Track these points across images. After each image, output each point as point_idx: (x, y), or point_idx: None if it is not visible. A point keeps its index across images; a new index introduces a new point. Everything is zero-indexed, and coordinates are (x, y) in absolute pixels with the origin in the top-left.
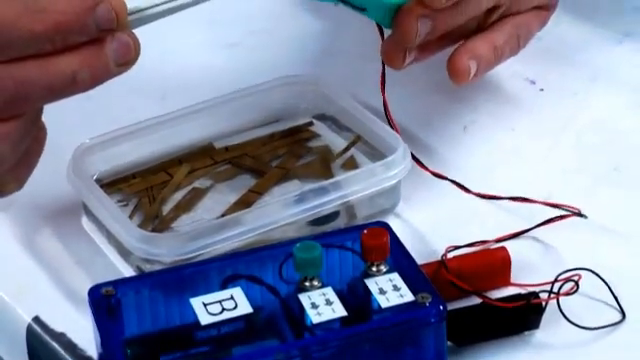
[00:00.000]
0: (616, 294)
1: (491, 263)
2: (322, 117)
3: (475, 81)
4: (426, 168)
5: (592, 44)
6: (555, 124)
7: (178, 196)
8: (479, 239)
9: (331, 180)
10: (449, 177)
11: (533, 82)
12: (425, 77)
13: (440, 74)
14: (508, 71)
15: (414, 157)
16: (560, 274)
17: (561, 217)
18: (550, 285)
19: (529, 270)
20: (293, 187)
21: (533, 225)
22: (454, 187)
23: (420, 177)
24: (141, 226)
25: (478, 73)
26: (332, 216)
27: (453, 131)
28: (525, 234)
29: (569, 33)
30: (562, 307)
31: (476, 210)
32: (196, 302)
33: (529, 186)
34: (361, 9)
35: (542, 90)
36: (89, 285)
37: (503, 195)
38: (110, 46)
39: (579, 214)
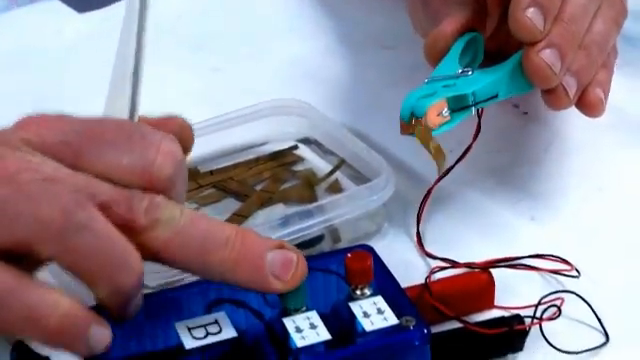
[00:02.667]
0: (600, 316)
1: (475, 286)
2: (306, 141)
3: (605, 110)
4: (422, 247)
5: None
6: (537, 146)
7: None
8: (464, 261)
9: (315, 204)
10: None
11: (516, 106)
12: None
13: None
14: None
15: (418, 236)
16: (543, 297)
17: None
18: (533, 308)
19: (513, 292)
20: (277, 211)
21: (521, 255)
22: (438, 210)
23: (404, 200)
24: None
25: (605, 96)
26: (316, 239)
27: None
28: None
29: None
30: (546, 331)
31: (461, 233)
32: (180, 326)
33: (512, 208)
34: (494, 97)
35: (525, 113)
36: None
37: (486, 217)
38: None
39: (576, 272)
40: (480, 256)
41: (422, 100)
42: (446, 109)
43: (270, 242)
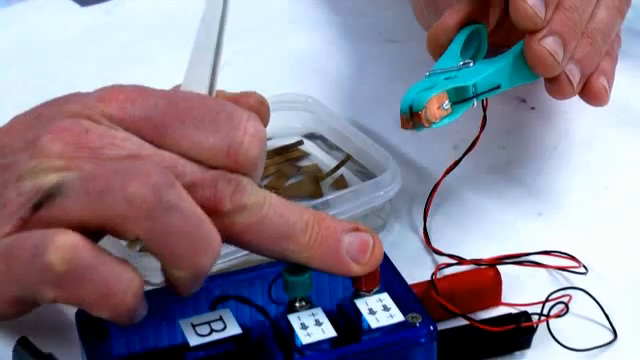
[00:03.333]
0: (607, 313)
1: (482, 283)
2: (312, 136)
3: (609, 99)
4: (429, 243)
5: None
6: (546, 142)
7: None
8: (471, 257)
9: (321, 199)
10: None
11: (524, 100)
12: None
13: None
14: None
15: (425, 233)
16: (551, 294)
17: (560, 255)
18: (541, 305)
19: (520, 289)
20: None
21: (528, 252)
22: (445, 206)
23: (410, 196)
24: (129, 246)
25: (609, 85)
26: None
27: (443, 149)
28: (517, 258)
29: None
30: (553, 328)
31: (469, 229)
32: (185, 323)
33: (519, 204)
34: (496, 88)
35: (533, 109)
36: (75, 308)
37: (492, 213)
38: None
39: (584, 269)
40: (487, 253)
41: (422, 93)
42: (447, 102)
43: (346, 225)
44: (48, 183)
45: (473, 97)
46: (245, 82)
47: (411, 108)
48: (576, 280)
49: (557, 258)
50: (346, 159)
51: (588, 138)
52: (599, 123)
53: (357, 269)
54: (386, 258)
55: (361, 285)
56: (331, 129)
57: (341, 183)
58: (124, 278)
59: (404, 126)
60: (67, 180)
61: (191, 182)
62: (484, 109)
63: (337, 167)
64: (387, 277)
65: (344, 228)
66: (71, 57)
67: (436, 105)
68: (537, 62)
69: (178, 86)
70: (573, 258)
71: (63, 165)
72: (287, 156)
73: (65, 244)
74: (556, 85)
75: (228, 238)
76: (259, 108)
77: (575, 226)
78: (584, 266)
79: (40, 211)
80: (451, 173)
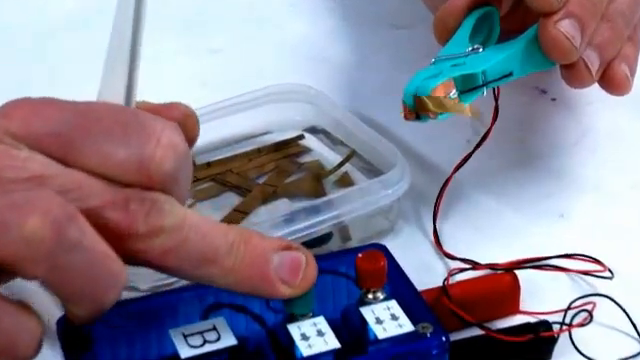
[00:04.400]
0: (635, 322)
1: (498, 289)
2: (313, 130)
3: (632, 88)
4: (440, 247)
5: None
6: (567, 137)
7: None
8: (486, 262)
9: (323, 199)
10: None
11: (544, 91)
12: None
13: None
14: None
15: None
16: (573, 301)
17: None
18: (562, 313)
19: (540, 296)
20: (282, 206)
21: (549, 255)
22: (457, 206)
23: (420, 195)
24: None
25: (632, 72)
26: (324, 238)
27: (455, 144)
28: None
29: None
30: (576, 338)
31: (484, 230)
32: (175, 333)
33: (539, 204)
34: (508, 75)
35: (554, 100)
36: (58, 314)
37: (509, 214)
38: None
39: (609, 273)
40: (503, 256)
41: (426, 81)
42: (454, 91)
43: (276, 243)
44: None
45: (482, 85)
46: (240, 72)
47: (415, 97)
48: (601, 286)
49: (580, 262)
50: (350, 155)
51: (613, 132)
52: (625, 115)
53: (287, 291)
54: (394, 263)
55: (365, 282)
56: (334, 122)
57: (345, 181)
58: (28, 329)
59: (407, 117)
60: None
61: (100, 204)
62: (496, 99)
63: (341, 163)
64: (395, 283)
65: (274, 247)
66: (56, 44)
67: (442, 94)
68: (552, 47)
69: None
70: (597, 262)
71: None
72: (286, 152)
73: None
74: (573, 72)
75: (144, 263)
76: (184, 120)
77: (599, 227)
78: (610, 270)
79: None
80: (464, 170)
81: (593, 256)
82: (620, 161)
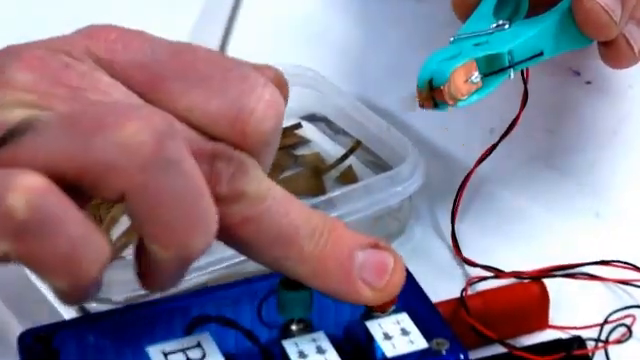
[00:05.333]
0: None
1: (524, 301)
2: (313, 118)
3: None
4: (459, 252)
5: None
6: (604, 126)
7: None
8: (510, 269)
9: (323, 197)
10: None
11: (578, 73)
12: None
13: None
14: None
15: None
16: (610, 314)
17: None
18: (598, 328)
19: (572, 308)
20: None
21: (582, 262)
22: (478, 205)
23: (436, 192)
24: None
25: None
26: None
27: (477, 134)
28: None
29: None
30: (612, 356)
31: (508, 233)
32: (154, 351)
33: (571, 202)
34: (538, 55)
35: (589, 83)
36: (19, 330)
37: (537, 214)
38: None
39: None
40: (530, 263)
41: (445, 63)
42: (476, 73)
43: (363, 239)
44: (13, 119)
45: (509, 67)
46: (229, 51)
47: (431, 82)
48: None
49: (618, 269)
50: (355, 146)
51: None
52: None
53: (369, 295)
54: (405, 269)
55: None
56: (336, 109)
57: (349, 176)
58: (95, 244)
59: (423, 105)
60: (41, 117)
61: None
62: (525, 82)
63: (344, 156)
64: (407, 294)
65: (360, 242)
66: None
67: (463, 78)
68: (588, 22)
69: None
70: (638, 269)
71: (34, 100)
72: (282, 142)
73: (32, 187)
74: (612, 50)
75: (219, 232)
76: (279, 82)
77: (637, 228)
78: None
79: (2, 150)
80: (486, 164)
81: (632, 262)
82: None
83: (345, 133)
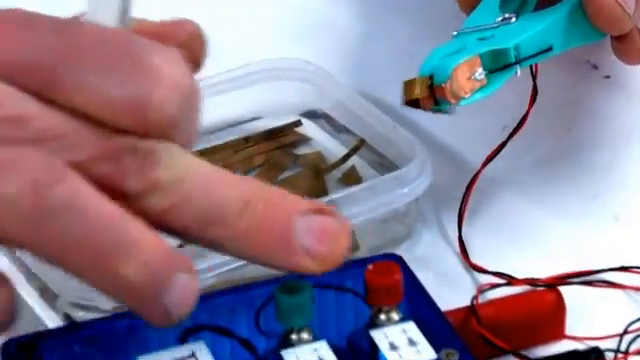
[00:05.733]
0: None
1: (539, 309)
2: (313, 114)
3: None
4: (467, 258)
5: None
6: (623, 123)
7: None
8: (524, 276)
9: (325, 199)
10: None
11: (595, 66)
12: None
13: None
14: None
15: (462, 246)
16: (631, 323)
17: None
18: (617, 339)
19: (590, 317)
20: None
21: (600, 268)
22: (487, 208)
23: (443, 194)
24: None
25: None
26: None
27: (488, 132)
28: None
29: None
30: None
31: (520, 238)
32: None
33: (588, 205)
34: (547, 50)
35: (607, 77)
36: (2, 339)
37: (551, 218)
38: None
39: None
40: (545, 269)
41: (447, 59)
42: (480, 70)
43: (302, 204)
44: None
45: (516, 63)
46: (225, 44)
47: (432, 79)
48: None
49: (638, 275)
50: (358, 145)
51: None
52: None
53: (310, 265)
54: (412, 277)
55: (376, 300)
56: (338, 105)
57: (352, 177)
58: None
59: (423, 105)
60: None
61: (89, 156)
62: (534, 78)
63: (347, 156)
64: (414, 301)
65: (300, 208)
66: None
67: (466, 74)
68: (601, 15)
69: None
70: None
71: None
72: (280, 141)
73: None
74: (626, 45)
75: (153, 226)
76: (191, 43)
77: None
78: None
79: None
80: (495, 164)
81: None
82: None
83: (348, 131)
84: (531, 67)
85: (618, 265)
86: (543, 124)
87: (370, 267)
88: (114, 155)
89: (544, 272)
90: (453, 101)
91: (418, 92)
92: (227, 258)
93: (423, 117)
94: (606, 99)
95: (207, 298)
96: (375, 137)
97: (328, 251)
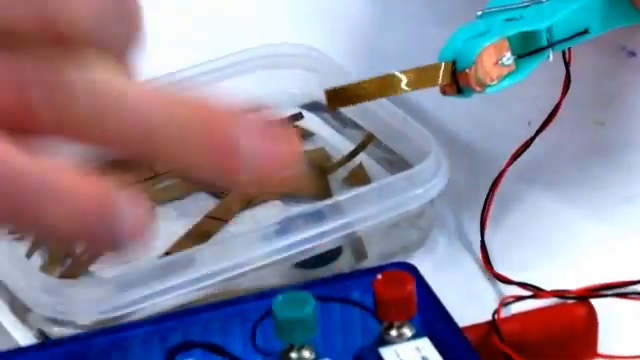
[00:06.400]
0: None
1: (568, 325)
2: (316, 107)
3: None
4: (490, 266)
5: None
6: None
7: None
8: (552, 288)
9: (329, 201)
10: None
11: (633, 53)
12: None
13: None
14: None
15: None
16: None
17: None
18: None
19: (624, 333)
20: (272, 211)
21: (635, 279)
22: (511, 211)
23: (462, 196)
24: (44, 269)
25: None
26: (331, 255)
27: (512, 127)
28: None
29: None
30: None
31: (548, 245)
32: None
33: (622, 208)
34: (583, 33)
35: None
36: None
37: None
38: None
39: None
40: (575, 280)
41: (471, 42)
42: (509, 54)
43: (243, 117)
44: None
45: (548, 47)
46: (222, 29)
47: (454, 64)
48: None
49: None
50: (367, 141)
51: None
52: None
53: (247, 177)
54: (427, 288)
55: (387, 314)
56: None
57: (359, 176)
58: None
59: (445, 91)
60: None
61: None
62: (567, 65)
63: (354, 153)
64: (428, 316)
65: (241, 122)
66: None
67: (492, 59)
68: None
69: None
70: None
71: None
72: None
73: None
74: None
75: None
76: None
77: None
78: None
79: None
80: (521, 162)
81: None
82: None
83: (355, 125)
84: (563, 52)
85: None
86: (574, 118)
87: (379, 277)
88: (18, 87)
89: (574, 283)
90: (478, 89)
91: (440, 79)
92: (220, 267)
93: (440, 110)
94: None
95: (198, 312)
96: (385, 132)
97: (270, 165)
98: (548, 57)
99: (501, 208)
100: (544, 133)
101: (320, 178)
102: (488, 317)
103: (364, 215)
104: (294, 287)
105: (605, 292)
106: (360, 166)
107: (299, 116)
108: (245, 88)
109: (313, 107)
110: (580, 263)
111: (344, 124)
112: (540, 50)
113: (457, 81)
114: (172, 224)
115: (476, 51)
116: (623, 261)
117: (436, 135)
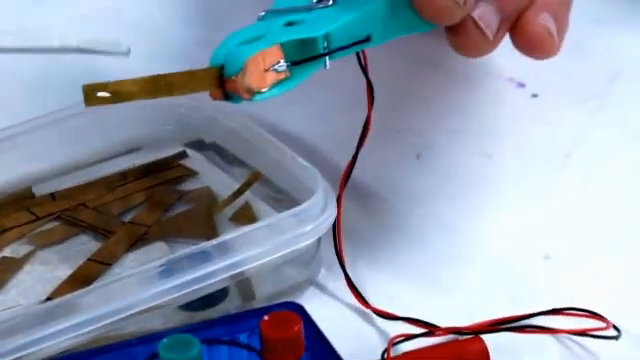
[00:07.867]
0: None
1: None
2: (200, 145)
3: (558, 49)
4: (364, 301)
5: (611, 25)
6: (554, 148)
7: None
8: (443, 325)
9: (215, 241)
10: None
11: (522, 85)
12: (354, 83)
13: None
14: (483, 68)
15: (350, 284)
16: None
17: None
18: None
19: None
20: (157, 253)
21: (531, 312)
22: (403, 247)
23: (351, 232)
24: None
25: (559, 28)
26: (217, 296)
27: (400, 161)
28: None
29: (579, 10)
30: None
31: (439, 281)
32: None
33: (515, 241)
34: (364, 41)
35: (535, 96)
36: None
37: (473, 254)
38: None
39: (614, 331)
40: (468, 316)
41: (242, 47)
42: (282, 61)
43: None
44: None
45: (325, 54)
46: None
47: (222, 69)
48: (604, 349)
49: (574, 318)
50: (253, 179)
51: (616, 141)
52: (635, 117)
53: None
54: (315, 329)
55: (273, 355)
56: (229, 133)
57: (246, 215)
58: None
59: (212, 95)
60: None
61: None
62: (365, 71)
63: (240, 191)
64: (317, 356)
65: None
66: None
67: (263, 66)
68: (425, 3)
69: None
70: (598, 316)
71: None
72: (163, 176)
73: None
74: (460, 37)
75: None
76: None
77: (599, 271)
78: (615, 327)
79: None
80: (414, 198)
81: (591, 309)
82: (623, 180)
83: (240, 162)
84: (359, 59)
85: (550, 307)
86: (465, 149)
87: (266, 318)
88: None
89: (467, 319)
90: (246, 96)
91: (204, 85)
92: (105, 311)
93: (327, 144)
94: (533, 120)
95: (83, 357)
96: (271, 169)
97: None
98: (325, 65)
99: (387, 242)
100: (434, 161)
101: (206, 218)
102: (378, 357)
103: (251, 255)
104: (180, 330)
105: (498, 326)
106: (247, 205)
107: (183, 154)
108: (122, 128)
109: (197, 145)
110: (470, 298)
111: (229, 162)
112: (316, 58)
113: (224, 87)
114: (54, 268)
115: (244, 58)
116: (515, 294)
117: (325, 171)
